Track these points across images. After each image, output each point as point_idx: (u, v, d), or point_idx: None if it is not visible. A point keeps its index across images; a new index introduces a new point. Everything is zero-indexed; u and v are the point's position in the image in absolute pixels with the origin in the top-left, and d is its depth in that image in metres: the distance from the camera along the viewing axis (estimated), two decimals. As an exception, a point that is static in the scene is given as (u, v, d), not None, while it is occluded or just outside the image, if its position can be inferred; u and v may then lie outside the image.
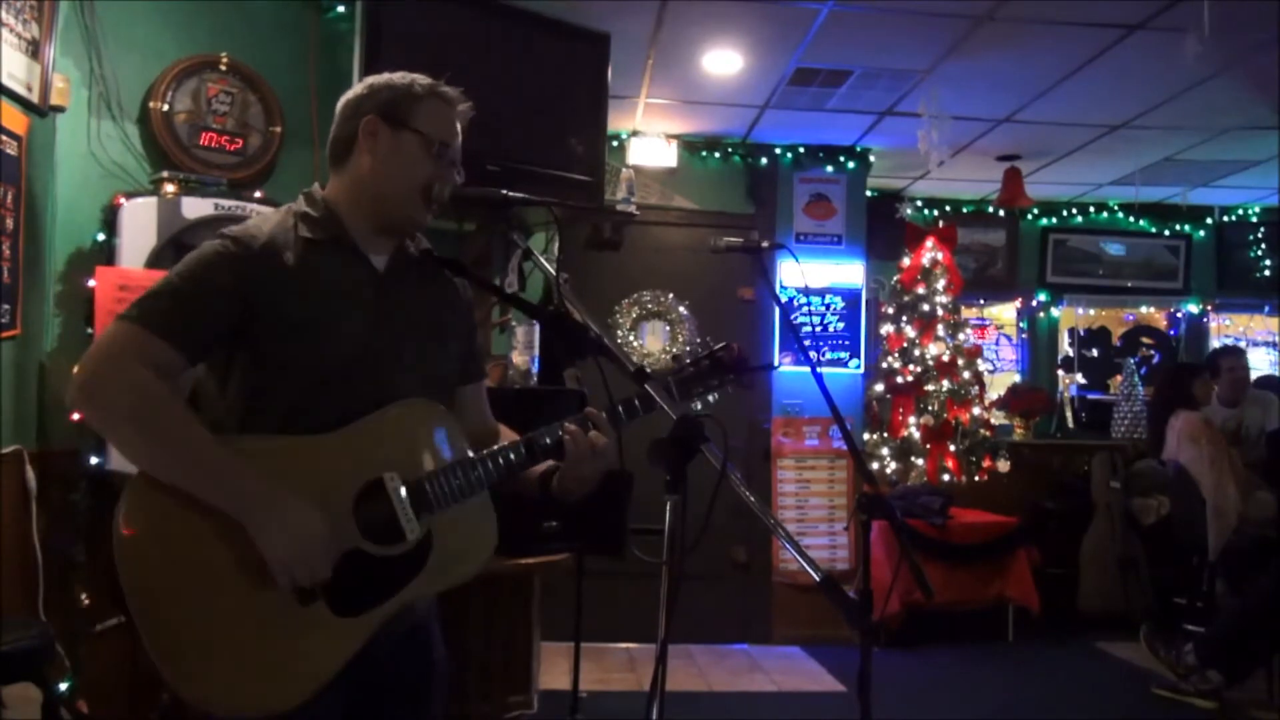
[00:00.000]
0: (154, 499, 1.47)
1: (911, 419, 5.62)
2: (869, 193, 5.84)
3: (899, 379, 5.68)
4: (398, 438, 1.60)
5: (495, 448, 1.66)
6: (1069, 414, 6.81)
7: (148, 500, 1.47)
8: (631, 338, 5.46)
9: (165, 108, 3.52)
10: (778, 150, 5.62)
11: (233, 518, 1.46)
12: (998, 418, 6.35)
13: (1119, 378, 6.80)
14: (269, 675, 1.46)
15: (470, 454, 1.64)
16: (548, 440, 1.67)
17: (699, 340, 5.44)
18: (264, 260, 1.57)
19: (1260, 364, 6.84)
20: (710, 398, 1.80)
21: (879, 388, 5.77)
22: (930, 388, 5.63)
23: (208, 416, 1.57)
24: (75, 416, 3.24)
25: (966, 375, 5.72)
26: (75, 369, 1.50)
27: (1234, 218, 6.94)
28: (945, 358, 5.67)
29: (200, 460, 1.47)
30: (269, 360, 1.55)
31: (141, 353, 1.48)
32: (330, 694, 1.49)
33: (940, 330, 5.73)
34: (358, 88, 1.70)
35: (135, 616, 1.43)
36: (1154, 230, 6.89)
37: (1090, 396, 6.87)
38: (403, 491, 1.55)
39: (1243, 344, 6.54)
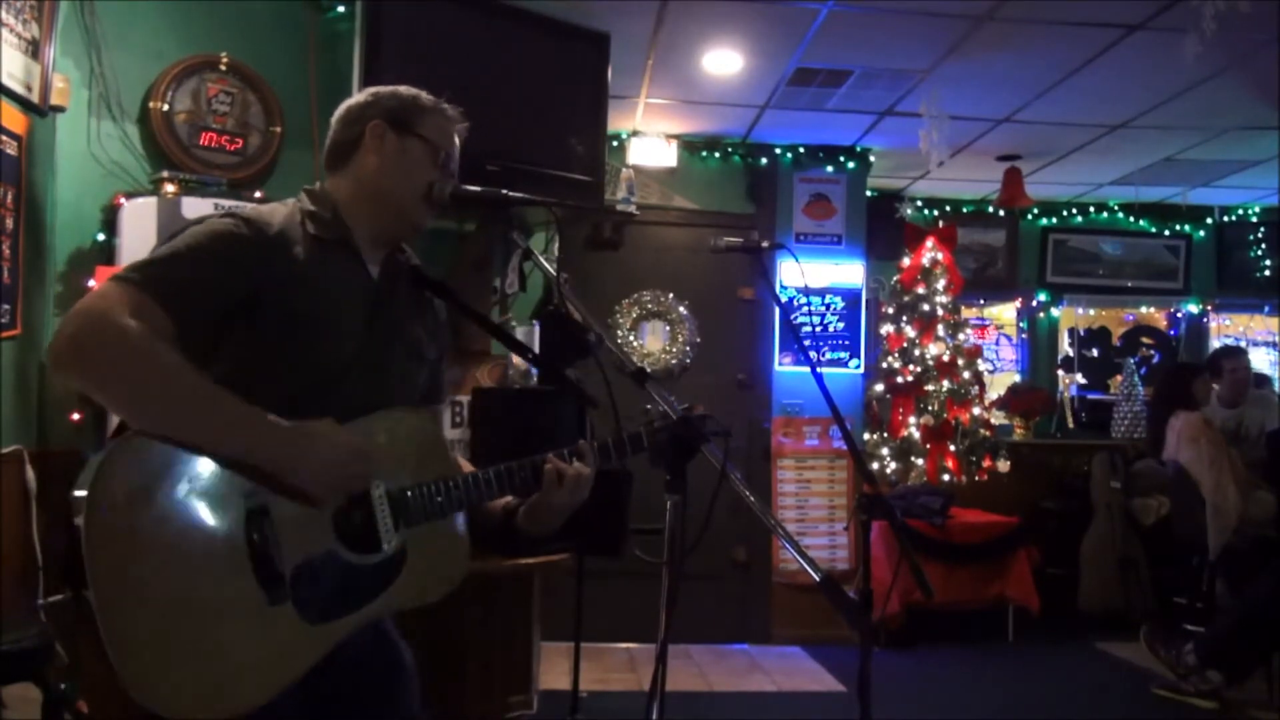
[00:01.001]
0: (124, 486, 1.37)
1: (911, 419, 5.62)
2: (869, 193, 5.84)
3: (899, 379, 5.68)
4: (387, 445, 1.56)
5: (478, 470, 1.63)
6: (1069, 414, 6.81)
7: (118, 486, 1.37)
8: (631, 338, 5.47)
9: (165, 108, 3.52)
10: (778, 150, 5.61)
11: (246, 461, 1.40)
12: (998, 418, 6.34)
13: (1119, 378, 6.80)
14: (227, 677, 1.38)
15: (454, 473, 1.61)
16: (528, 469, 1.65)
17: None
18: (278, 249, 1.54)
19: (1260, 364, 6.83)
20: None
21: (879, 388, 5.76)
22: (930, 388, 5.63)
23: None
24: (73, 415, 3.26)
25: (966, 375, 5.71)
26: (60, 325, 1.38)
27: (1234, 218, 6.93)
28: (945, 358, 5.67)
29: (211, 403, 1.39)
30: (265, 353, 1.51)
31: (134, 310, 1.38)
32: (288, 699, 1.42)
33: (940, 330, 5.73)
34: (361, 96, 1.70)
35: (95, 605, 1.32)
36: (1154, 230, 6.89)
37: (1090, 396, 6.86)
38: (386, 501, 1.53)
39: (1243, 344, 6.54)
